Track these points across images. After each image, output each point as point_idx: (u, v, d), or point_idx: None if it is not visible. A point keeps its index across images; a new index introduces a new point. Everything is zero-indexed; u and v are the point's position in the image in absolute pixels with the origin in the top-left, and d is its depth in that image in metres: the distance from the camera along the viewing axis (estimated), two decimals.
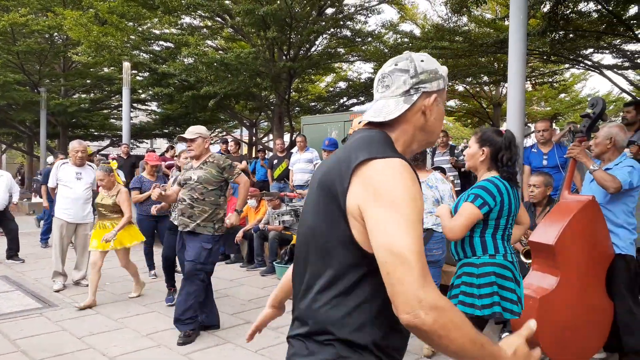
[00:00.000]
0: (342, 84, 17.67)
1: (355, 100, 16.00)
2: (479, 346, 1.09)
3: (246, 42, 13.31)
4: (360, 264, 1.18)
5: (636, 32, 8.90)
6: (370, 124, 1.32)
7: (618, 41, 11.02)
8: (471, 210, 2.62)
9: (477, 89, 18.12)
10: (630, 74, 13.48)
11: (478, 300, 2.64)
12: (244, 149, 22.05)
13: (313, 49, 13.54)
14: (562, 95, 20.48)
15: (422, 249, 1.10)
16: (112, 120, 20.46)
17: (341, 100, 16.31)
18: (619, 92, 16.03)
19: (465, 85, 17.31)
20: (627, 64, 11.67)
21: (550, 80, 15.38)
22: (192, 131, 4.29)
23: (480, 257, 2.68)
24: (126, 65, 11.79)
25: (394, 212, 1.10)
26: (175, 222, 4.61)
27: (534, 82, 15.87)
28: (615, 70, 11.83)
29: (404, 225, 1.09)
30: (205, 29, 14.32)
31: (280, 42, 11.76)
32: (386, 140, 1.26)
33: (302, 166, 8.09)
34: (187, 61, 12.18)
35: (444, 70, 1.35)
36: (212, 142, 21.33)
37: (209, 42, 14.30)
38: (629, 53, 10.83)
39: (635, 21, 8.71)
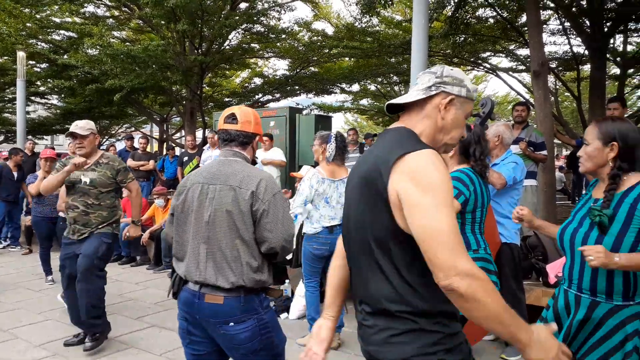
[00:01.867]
0: (258, 80, 17.56)
1: (270, 97, 15.98)
2: (511, 315, 1.23)
3: (155, 34, 12.81)
4: (407, 246, 1.32)
5: (527, 38, 9.68)
6: (398, 121, 1.52)
7: (513, 46, 11.94)
8: None
9: (388, 89, 18.80)
10: (526, 76, 14.65)
11: None
12: (154, 146, 21.21)
13: (226, 44, 13.32)
14: (485, 96, 21.75)
15: (455, 226, 1.26)
16: (6, 115, 18.82)
17: (256, 97, 16.21)
18: (520, 90, 17.37)
19: (376, 85, 17.89)
20: (521, 67, 12.65)
21: None
22: (84, 127, 3.83)
23: None
24: (21, 55, 10.90)
25: (428, 195, 1.27)
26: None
27: None
28: (510, 73, 12.79)
29: (437, 206, 1.25)
30: (111, 19, 13.59)
31: (191, 36, 11.46)
32: (413, 135, 1.44)
33: None
34: (91, 52, 11.50)
35: (472, 86, 1.50)
36: (118, 138, 20.09)
37: (115, 33, 13.59)
38: (522, 57, 11.74)
39: (526, 28, 9.47)
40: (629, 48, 12.30)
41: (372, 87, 18.31)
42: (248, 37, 13.52)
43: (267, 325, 2.08)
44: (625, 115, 5.33)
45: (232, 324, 2.00)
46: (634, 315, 1.87)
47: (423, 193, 1.27)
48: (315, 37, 12.35)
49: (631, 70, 13.21)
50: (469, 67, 14.10)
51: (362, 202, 1.41)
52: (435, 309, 1.34)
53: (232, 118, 2.23)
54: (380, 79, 16.14)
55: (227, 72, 16.90)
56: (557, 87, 14.05)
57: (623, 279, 1.87)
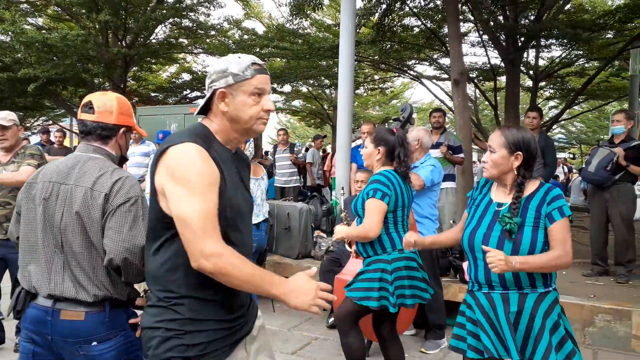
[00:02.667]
0: (186, 76, 17.09)
1: (199, 93, 15.61)
2: (261, 276, 1.44)
3: (75, 23, 12.13)
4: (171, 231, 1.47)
5: (448, 48, 10.18)
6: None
7: (436, 55, 12.49)
8: (377, 204, 2.69)
9: (319, 91, 19.00)
10: (448, 84, 15.38)
11: (392, 297, 2.70)
12: (75, 140, 20.06)
13: (152, 37, 12.87)
14: (394, 101, 22.53)
15: (207, 211, 1.40)
16: None
17: (184, 92, 15.79)
18: (444, 98, 18.18)
19: (308, 87, 18.02)
20: (444, 76, 13.26)
21: (382, 86, 16.76)
22: (5, 117, 3.59)
23: (391, 253, 2.77)
24: None
25: (182, 186, 1.41)
26: None
27: (369, 87, 17.15)
28: (433, 81, 13.37)
29: (188, 196, 1.40)
30: (25, 4, 12.69)
31: (115, 27, 10.96)
32: (197, 129, 1.55)
33: (137, 160, 7.64)
34: (2, 39, 10.69)
35: (238, 66, 1.55)
36: (34, 131, 18.69)
37: (29, 19, 12.71)
38: (444, 66, 12.31)
39: (447, 38, 9.96)
40: (541, 62, 13.28)
41: (304, 89, 18.43)
42: (176, 31, 13.13)
43: (134, 343, 1.82)
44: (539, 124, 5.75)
45: (95, 343, 1.73)
46: (554, 301, 2.06)
47: (176, 184, 1.42)
48: (245, 36, 12.24)
49: (543, 83, 14.27)
50: (396, 74, 14.57)
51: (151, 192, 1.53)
52: (187, 293, 1.48)
53: (89, 107, 1.91)
54: (311, 81, 16.27)
55: (153, 66, 16.33)
56: (477, 95, 14.86)
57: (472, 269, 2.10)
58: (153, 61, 14.71)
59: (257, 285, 1.43)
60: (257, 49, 11.90)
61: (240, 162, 1.68)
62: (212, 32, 12.92)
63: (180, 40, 13.61)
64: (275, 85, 15.82)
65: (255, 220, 4.02)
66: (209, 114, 1.59)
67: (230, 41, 12.69)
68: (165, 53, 13.67)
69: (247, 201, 1.65)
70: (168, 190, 1.43)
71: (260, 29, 13.08)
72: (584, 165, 5.46)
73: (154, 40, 12.93)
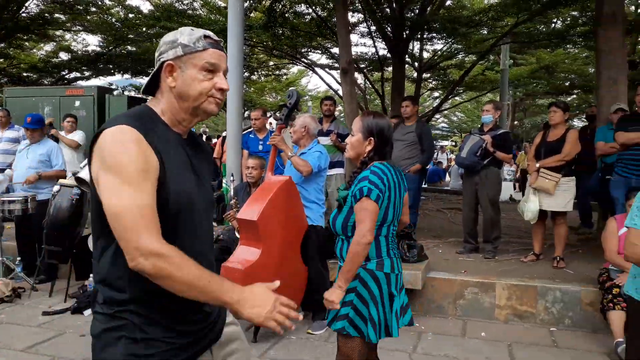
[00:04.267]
0: (64, 55, 15.73)
1: (79, 74, 14.47)
2: (206, 281, 1.25)
3: None
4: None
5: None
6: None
7: (328, 44, 12.72)
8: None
9: None
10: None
11: None
12: None
13: (22, 11, 11.64)
14: (292, 88, 22.63)
15: (141, 203, 1.22)
16: None
17: (62, 73, 14.53)
18: (337, 87, 18.56)
19: None
20: (335, 65, 13.55)
21: (277, 73, 16.75)
22: None
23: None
24: None
25: (113, 175, 1.24)
26: None
27: (263, 73, 17.03)
28: (326, 69, 13.63)
29: (119, 186, 1.23)
30: None
31: None
32: (138, 110, 1.39)
33: (5, 146, 6.90)
34: None
35: (188, 37, 1.40)
36: None
37: None
38: (336, 55, 12.59)
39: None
40: (425, 55, 14.08)
41: None
42: (50, 5, 11.99)
43: None
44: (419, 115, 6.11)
45: None
46: (355, 276, 2.20)
47: (106, 172, 1.25)
48: (131, 14, 11.51)
49: (427, 75, 15.16)
50: (289, 61, 14.62)
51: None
52: (132, 295, 1.32)
53: None
54: None
55: (25, 43, 14.81)
56: (367, 85, 15.40)
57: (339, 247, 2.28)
58: (24, 37, 13.33)
59: (204, 290, 1.25)
60: (144, 29, 11.28)
61: (196, 150, 1.50)
62: (93, 9, 11.98)
63: (57, 15, 12.45)
64: None
65: None
66: (156, 93, 1.44)
67: (113, 19, 11.86)
68: (38, 29, 12.44)
69: (202, 195, 1.44)
70: (100, 179, 1.26)
71: (146, 8, 12.36)
72: (458, 152, 5.91)
73: (24, 15, 11.69)
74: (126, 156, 1.24)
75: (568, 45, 13.24)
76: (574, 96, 19.99)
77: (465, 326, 4.24)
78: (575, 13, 11.53)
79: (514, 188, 13.42)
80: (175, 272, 1.21)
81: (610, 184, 4.90)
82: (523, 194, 5.34)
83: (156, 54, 1.43)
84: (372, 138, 2.26)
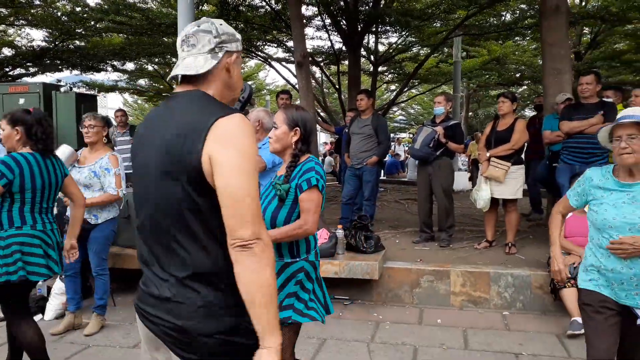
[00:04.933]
0: (7, 51, 14.98)
1: (23, 71, 13.83)
2: (274, 294, 1.32)
3: None
4: (205, 214, 1.37)
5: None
6: (185, 83, 1.45)
7: (284, 38, 12.64)
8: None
9: (167, 70, 18.08)
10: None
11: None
12: None
13: None
14: (249, 82, 22.41)
15: (257, 192, 1.31)
16: None
17: (5, 69, 13.85)
18: (295, 81, 18.50)
19: (153, 65, 17.03)
20: (291, 58, 13.50)
21: None
22: None
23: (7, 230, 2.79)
24: None
25: (243, 160, 1.29)
26: None
27: None
28: (283, 63, 13.55)
29: (248, 172, 1.30)
30: None
31: None
32: (213, 99, 1.42)
33: None
34: None
35: (239, 35, 1.53)
36: None
37: None
38: (292, 48, 12.54)
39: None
40: (381, 48, 14.21)
41: (150, 67, 17.37)
42: None
43: None
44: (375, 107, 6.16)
45: None
46: (297, 270, 2.25)
47: (237, 157, 1.28)
48: (78, 8, 11.07)
49: (384, 68, 15.31)
50: (244, 55, 14.45)
51: (164, 174, 1.35)
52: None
53: None
54: (157, 59, 15.39)
55: None
56: (324, 79, 15.43)
57: (287, 243, 2.26)
58: None
59: (272, 300, 1.29)
60: (92, 23, 10.88)
61: None
62: (37, 2, 11.45)
63: None
64: (116, 63, 14.68)
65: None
66: (200, 80, 1.44)
67: (59, 13, 11.38)
68: None
69: None
70: (226, 163, 1.27)
71: (94, 1, 11.89)
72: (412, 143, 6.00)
73: None
74: (250, 145, 1.31)
75: (517, 37, 13.66)
76: (524, 87, 20.66)
77: (421, 314, 4.32)
78: (523, 6, 11.89)
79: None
80: (271, 263, 1.29)
81: (557, 171, 5.09)
82: (474, 184, 5.48)
83: (213, 40, 1.43)
84: (297, 128, 2.31)
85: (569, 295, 3.84)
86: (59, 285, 4.37)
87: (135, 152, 1.51)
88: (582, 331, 3.64)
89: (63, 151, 3.92)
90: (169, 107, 1.45)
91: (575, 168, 4.71)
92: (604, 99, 4.98)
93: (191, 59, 1.42)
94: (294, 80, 14.80)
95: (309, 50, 13.39)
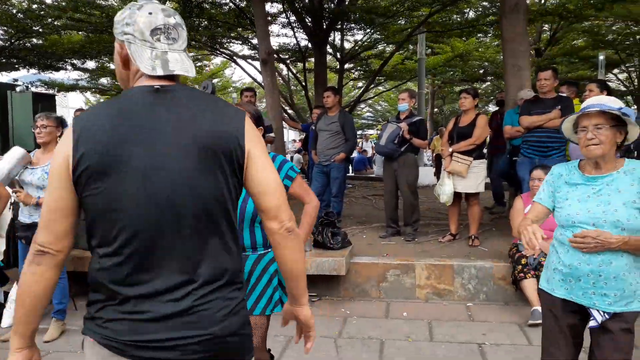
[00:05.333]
0: None
1: None
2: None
3: None
4: (234, 211, 1.41)
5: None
6: (159, 77, 1.32)
7: (249, 35, 12.54)
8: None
9: None
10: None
11: None
12: None
13: None
14: (215, 80, 22.19)
15: None
16: None
17: None
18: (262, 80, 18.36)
19: None
20: (257, 56, 13.40)
21: (197, 64, 16.31)
22: None
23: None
24: None
25: (266, 154, 1.38)
26: None
27: None
28: (248, 60, 13.44)
29: (271, 164, 1.41)
30: None
31: None
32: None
33: None
34: None
35: None
36: None
37: None
38: (257, 45, 12.45)
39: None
40: (347, 45, 14.26)
41: (112, 66, 16.94)
42: None
43: None
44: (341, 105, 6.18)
45: None
46: (272, 259, 2.28)
47: (264, 151, 1.39)
48: (34, 5, 10.70)
49: (350, 65, 15.36)
50: (208, 52, 14.28)
51: (198, 171, 1.27)
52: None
53: None
54: None
55: None
56: (290, 76, 15.38)
57: (262, 232, 2.27)
58: None
59: (304, 273, 1.49)
60: (50, 20, 10.54)
61: None
62: None
63: None
64: (76, 61, 14.28)
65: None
66: (175, 77, 1.37)
67: (14, 10, 10.98)
68: None
69: None
70: (258, 157, 1.36)
71: None
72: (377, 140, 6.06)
73: None
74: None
75: (479, 35, 13.93)
76: (488, 83, 21.11)
77: (388, 307, 4.37)
78: (485, 3, 12.14)
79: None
80: (301, 241, 1.46)
81: (517, 164, 5.22)
82: (439, 179, 5.57)
83: (185, 36, 1.38)
84: (260, 127, 2.37)
85: (529, 286, 3.96)
86: (16, 291, 4.23)
87: (122, 151, 1.24)
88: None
89: (13, 153, 3.79)
90: (169, 100, 1.29)
91: (535, 161, 4.84)
92: (561, 94, 5.13)
93: (176, 56, 1.33)
94: (260, 78, 14.72)
95: (274, 47, 13.34)
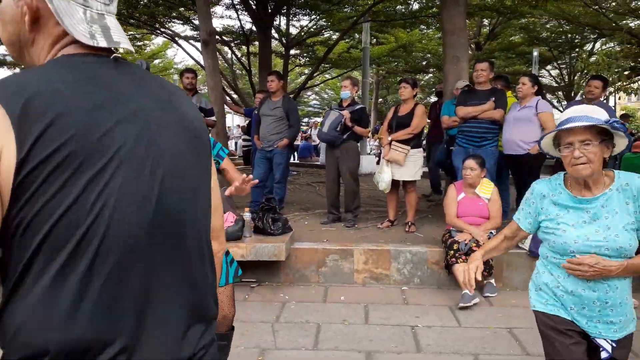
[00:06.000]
0: None
1: None
2: None
3: None
4: None
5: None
6: (91, 48, 0.95)
7: (193, 16, 12.18)
8: None
9: None
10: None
11: None
12: None
13: None
14: (157, 60, 21.47)
15: None
16: None
17: None
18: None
19: None
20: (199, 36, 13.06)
21: (137, 44, 15.69)
22: None
23: None
24: None
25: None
26: None
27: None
28: (190, 41, 13.07)
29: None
30: None
31: None
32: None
33: None
34: None
35: None
36: None
37: None
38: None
39: None
40: (294, 31, 14.15)
41: None
42: None
43: None
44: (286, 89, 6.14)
45: None
46: None
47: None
48: None
49: (297, 51, 15.28)
50: (148, 32, 13.77)
51: (199, 167, 1.02)
52: None
53: None
54: None
55: None
56: (234, 59, 15.12)
57: None
58: None
59: None
60: None
61: None
62: None
63: None
64: None
65: None
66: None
67: None
68: None
69: None
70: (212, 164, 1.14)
71: None
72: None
73: None
74: None
75: (422, 26, 14.21)
76: (430, 75, 21.65)
77: (326, 292, 4.44)
78: None
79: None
80: None
81: (453, 154, 5.41)
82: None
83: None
84: None
85: (460, 271, 4.13)
86: None
87: (113, 133, 0.88)
88: (472, 303, 3.97)
89: None
90: (132, 75, 0.98)
91: (469, 151, 5.03)
92: (495, 87, 5.35)
93: (114, 22, 1.00)
94: (200, 59, 14.36)
95: (218, 29, 13.06)
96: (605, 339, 1.85)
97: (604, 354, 1.85)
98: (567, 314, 1.90)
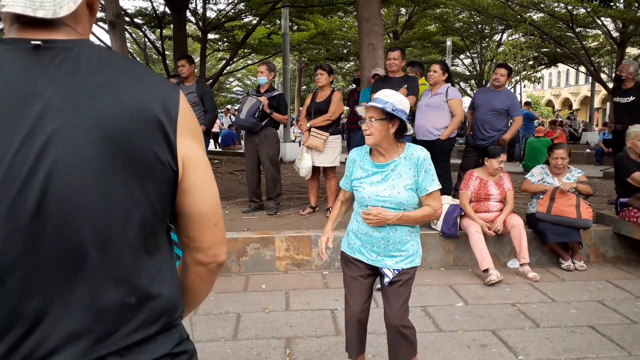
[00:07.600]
0: None
1: None
2: None
3: None
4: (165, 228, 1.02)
5: None
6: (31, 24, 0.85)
7: None
8: None
9: None
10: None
11: None
12: None
13: None
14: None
15: None
16: None
17: None
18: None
19: None
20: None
21: None
22: None
23: None
24: None
25: (205, 156, 1.00)
26: None
27: None
28: (99, 23, 12.28)
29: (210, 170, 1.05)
30: None
31: None
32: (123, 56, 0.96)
33: None
34: None
35: None
36: None
37: None
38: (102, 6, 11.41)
39: None
40: (211, 15, 13.73)
41: None
42: None
43: None
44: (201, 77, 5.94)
45: None
46: None
47: (204, 154, 0.99)
48: None
49: (216, 36, 14.84)
50: None
51: (115, 176, 0.85)
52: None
53: None
54: None
55: None
56: (147, 42, 14.45)
57: None
58: None
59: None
60: None
61: None
62: None
63: None
64: None
65: None
66: (70, 20, 0.89)
67: None
68: None
69: None
70: (198, 164, 0.97)
71: None
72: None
73: None
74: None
75: (340, 13, 14.31)
76: (352, 63, 21.95)
77: (247, 281, 4.39)
78: None
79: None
80: None
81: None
82: None
83: None
84: None
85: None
86: None
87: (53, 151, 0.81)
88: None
89: None
90: (57, 64, 0.85)
91: None
92: (408, 74, 5.50)
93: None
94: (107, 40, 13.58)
95: (130, 10, 12.39)
96: (388, 269, 2.41)
97: (385, 279, 2.42)
98: (359, 254, 2.46)
